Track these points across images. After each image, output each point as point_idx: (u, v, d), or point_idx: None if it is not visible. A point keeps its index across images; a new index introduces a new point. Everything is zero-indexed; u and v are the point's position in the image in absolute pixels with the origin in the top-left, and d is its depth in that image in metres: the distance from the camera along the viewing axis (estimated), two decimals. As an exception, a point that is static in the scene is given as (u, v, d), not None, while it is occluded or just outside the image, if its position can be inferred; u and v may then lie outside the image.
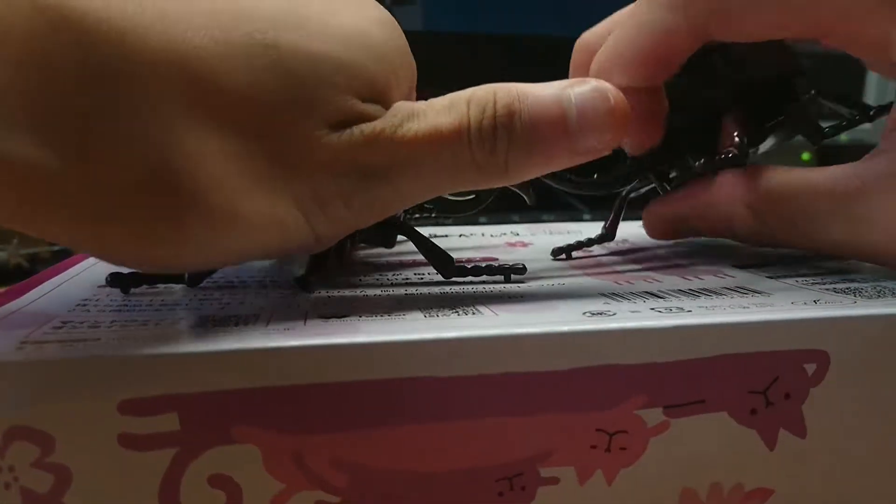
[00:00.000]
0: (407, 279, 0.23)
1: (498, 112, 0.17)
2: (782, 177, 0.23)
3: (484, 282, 0.22)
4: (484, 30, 0.57)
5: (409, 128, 0.17)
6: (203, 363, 0.15)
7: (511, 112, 0.17)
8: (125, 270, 0.21)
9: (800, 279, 0.21)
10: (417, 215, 0.28)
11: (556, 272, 0.24)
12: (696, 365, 0.17)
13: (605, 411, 0.16)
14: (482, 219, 0.44)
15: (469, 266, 0.22)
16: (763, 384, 0.17)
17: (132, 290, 0.21)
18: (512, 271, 0.22)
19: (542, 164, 0.18)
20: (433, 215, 0.28)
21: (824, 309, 0.18)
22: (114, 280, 0.21)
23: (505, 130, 0.17)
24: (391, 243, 0.25)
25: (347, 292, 0.21)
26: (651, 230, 0.27)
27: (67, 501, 0.15)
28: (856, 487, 0.18)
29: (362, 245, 0.28)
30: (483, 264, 0.22)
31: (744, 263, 0.24)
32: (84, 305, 0.19)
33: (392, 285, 0.22)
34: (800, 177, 0.22)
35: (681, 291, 0.20)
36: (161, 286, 0.21)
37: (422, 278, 0.23)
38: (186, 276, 0.21)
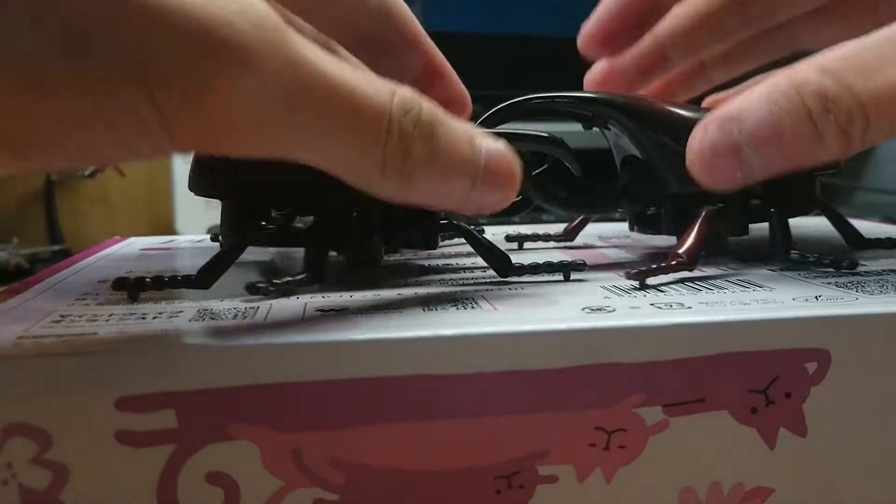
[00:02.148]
0: (406, 271, 0.23)
1: (422, 120, 0.16)
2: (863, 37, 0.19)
3: (542, 281, 0.21)
4: (484, 30, 0.57)
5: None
6: (200, 360, 0.15)
7: (434, 128, 0.16)
8: (131, 276, 0.19)
9: (801, 272, 0.21)
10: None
11: None
12: (695, 363, 0.17)
13: (604, 409, 0.16)
14: (482, 219, 0.44)
15: (527, 265, 0.21)
16: (763, 383, 0.17)
17: (140, 294, 0.19)
18: (572, 268, 0.21)
19: (434, 195, 0.17)
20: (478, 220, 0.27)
21: (826, 308, 0.18)
22: (120, 285, 0.19)
23: (424, 142, 0.16)
24: (434, 244, 0.23)
25: (346, 283, 0.21)
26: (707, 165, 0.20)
27: (65, 498, 0.15)
28: (856, 487, 0.18)
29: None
30: (541, 262, 0.21)
31: (745, 257, 0.24)
32: (83, 300, 0.19)
33: (391, 276, 0.22)
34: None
35: (681, 284, 0.20)
36: (168, 290, 0.20)
37: (421, 270, 0.23)
38: (196, 276, 0.20)
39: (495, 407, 0.16)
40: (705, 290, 0.19)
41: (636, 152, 0.23)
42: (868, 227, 0.29)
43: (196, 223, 0.58)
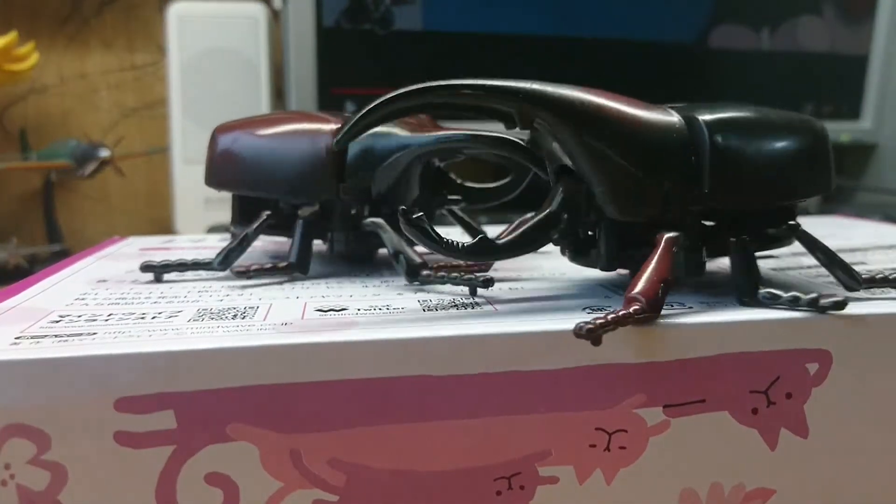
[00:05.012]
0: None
1: None
2: None
3: (452, 293, 0.20)
4: (484, 30, 0.56)
5: None
6: (199, 361, 0.15)
7: None
8: (156, 260, 0.22)
9: (803, 271, 0.21)
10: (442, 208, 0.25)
11: (558, 262, 0.24)
12: (696, 364, 0.16)
13: (605, 410, 0.16)
14: (482, 218, 0.44)
15: (435, 275, 0.20)
16: (765, 383, 0.17)
17: (164, 276, 0.22)
18: (478, 285, 0.19)
19: None
20: (460, 205, 0.25)
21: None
22: (146, 268, 0.22)
23: None
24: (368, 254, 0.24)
25: (346, 283, 0.21)
26: None
27: (63, 499, 0.15)
28: (857, 488, 0.18)
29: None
30: (452, 274, 0.20)
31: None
32: (82, 299, 0.19)
33: (391, 274, 0.22)
34: None
35: (683, 283, 0.20)
36: (190, 273, 0.22)
37: None
38: (217, 259, 0.22)
39: (495, 407, 0.16)
40: (706, 289, 0.19)
41: (568, 161, 0.18)
42: (868, 227, 0.29)
43: (195, 223, 0.58)
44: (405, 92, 0.17)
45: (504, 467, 0.16)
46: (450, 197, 0.25)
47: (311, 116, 0.23)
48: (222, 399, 0.15)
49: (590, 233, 0.19)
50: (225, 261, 0.22)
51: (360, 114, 0.17)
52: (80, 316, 0.17)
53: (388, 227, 0.22)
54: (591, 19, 0.58)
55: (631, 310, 0.16)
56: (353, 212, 0.23)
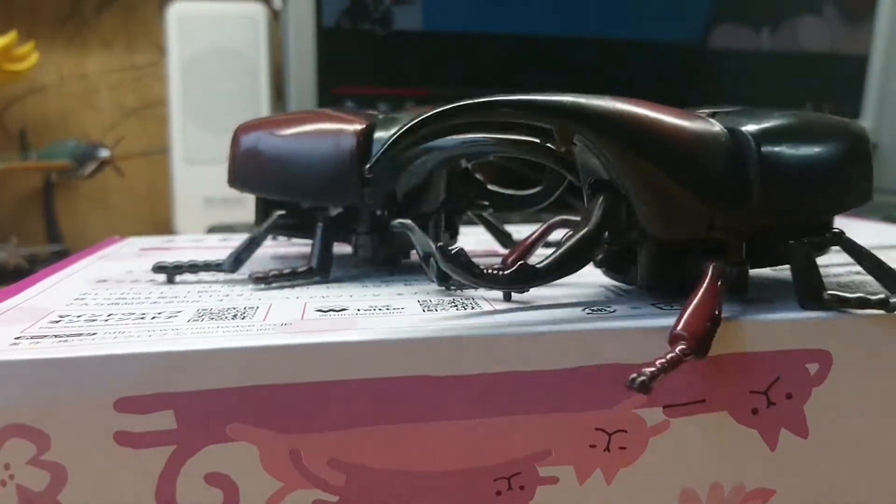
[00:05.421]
0: (406, 271, 0.23)
1: None
2: None
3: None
4: (484, 30, 0.56)
5: None
6: (199, 361, 0.15)
7: None
8: (169, 260, 0.22)
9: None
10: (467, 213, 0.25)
11: None
12: (696, 364, 0.16)
13: (605, 410, 0.16)
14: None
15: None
16: (765, 384, 0.17)
17: (176, 277, 0.22)
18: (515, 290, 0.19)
19: None
20: (489, 211, 0.25)
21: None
22: (159, 269, 0.22)
23: None
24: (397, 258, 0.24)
25: (346, 283, 0.21)
26: None
27: (63, 499, 0.15)
28: (857, 488, 0.18)
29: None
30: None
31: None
32: (82, 300, 0.19)
33: (391, 275, 0.22)
34: None
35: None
36: (202, 274, 0.22)
37: (421, 270, 0.23)
38: (227, 261, 0.22)
39: (495, 407, 0.16)
40: None
41: (606, 176, 0.17)
42: (868, 227, 0.29)
43: (195, 223, 0.58)
44: (439, 112, 0.16)
45: (504, 467, 0.16)
46: (477, 202, 0.24)
47: (333, 116, 0.23)
48: (222, 399, 0.15)
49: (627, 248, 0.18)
50: (235, 262, 0.22)
51: (392, 138, 0.17)
52: (79, 316, 0.17)
53: (417, 229, 0.21)
54: (591, 19, 0.58)
55: (678, 350, 0.15)
56: (378, 215, 0.23)
